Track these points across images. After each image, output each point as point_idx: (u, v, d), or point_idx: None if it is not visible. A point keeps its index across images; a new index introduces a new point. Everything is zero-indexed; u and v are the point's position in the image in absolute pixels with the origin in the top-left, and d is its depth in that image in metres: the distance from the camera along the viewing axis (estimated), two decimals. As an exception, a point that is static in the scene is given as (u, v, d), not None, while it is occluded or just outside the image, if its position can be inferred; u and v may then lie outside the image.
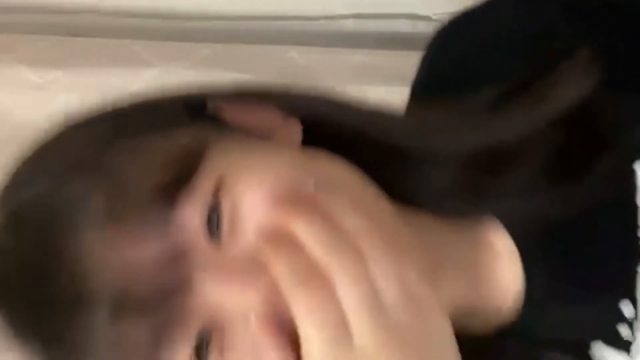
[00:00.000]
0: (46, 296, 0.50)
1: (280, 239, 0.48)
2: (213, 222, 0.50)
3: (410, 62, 1.14)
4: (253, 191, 0.50)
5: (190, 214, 0.49)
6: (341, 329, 0.46)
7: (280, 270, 0.47)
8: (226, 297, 0.50)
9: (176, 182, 0.49)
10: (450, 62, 0.71)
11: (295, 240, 0.47)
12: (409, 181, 0.59)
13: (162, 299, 0.49)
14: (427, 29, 1.13)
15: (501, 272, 0.60)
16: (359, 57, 1.09)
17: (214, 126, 0.56)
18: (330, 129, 0.58)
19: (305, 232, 0.47)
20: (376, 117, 0.60)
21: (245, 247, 0.50)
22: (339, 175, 0.53)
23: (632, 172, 0.60)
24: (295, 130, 0.58)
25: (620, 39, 0.64)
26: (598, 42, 0.61)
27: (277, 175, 0.50)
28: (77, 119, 0.58)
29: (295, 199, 0.49)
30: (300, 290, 0.47)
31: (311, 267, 0.47)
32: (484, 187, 0.59)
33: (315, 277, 0.47)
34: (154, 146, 0.51)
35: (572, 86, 0.59)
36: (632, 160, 0.60)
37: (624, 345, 0.60)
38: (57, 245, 0.50)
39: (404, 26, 1.14)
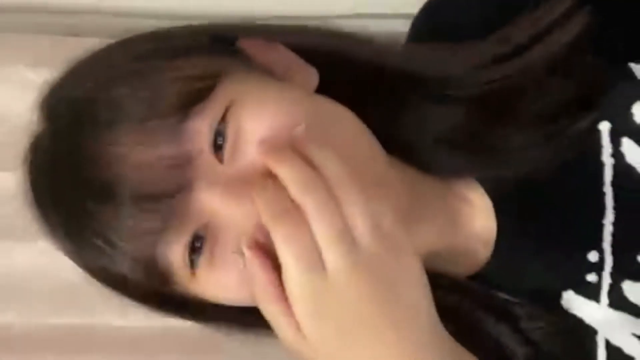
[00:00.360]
0: (75, 182, 0.58)
1: (269, 175, 0.53)
2: (219, 138, 0.56)
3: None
4: (254, 119, 0.56)
5: (200, 127, 0.56)
6: (314, 259, 0.51)
7: (262, 203, 0.52)
8: (221, 207, 0.55)
9: (194, 98, 0.56)
10: (434, 24, 0.77)
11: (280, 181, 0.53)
12: (410, 126, 0.64)
13: (169, 196, 0.55)
14: (427, 29, 1.13)
15: (476, 222, 0.65)
16: (359, 57, 1.08)
17: (237, 59, 0.62)
18: (345, 66, 0.64)
19: (286, 176, 0.52)
20: (391, 48, 0.67)
21: (244, 169, 0.56)
22: (336, 123, 0.58)
23: (598, 132, 0.64)
24: (311, 76, 0.64)
25: (609, 12, 0.66)
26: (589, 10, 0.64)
27: (277, 110, 0.56)
28: (124, 37, 0.65)
29: (285, 140, 0.54)
30: (278, 221, 0.52)
31: (290, 203, 0.52)
32: (478, 143, 0.64)
33: (292, 212, 0.52)
34: (183, 66, 0.58)
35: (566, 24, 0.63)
36: (598, 122, 0.64)
37: (593, 294, 0.63)
38: (89, 137, 0.57)
39: (404, 26, 1.13)
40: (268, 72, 0.62)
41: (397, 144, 0.63)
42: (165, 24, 1.16)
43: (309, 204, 0.52)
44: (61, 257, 0.62)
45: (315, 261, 0.52)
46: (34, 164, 0.64)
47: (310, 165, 0.53)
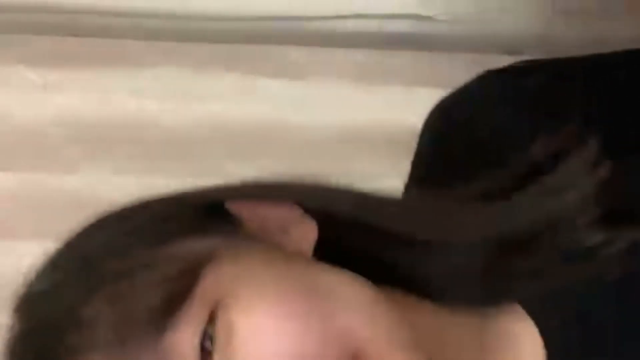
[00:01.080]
0: None
1: None
2: (207, 342, 0.47)
3: (410, 62, 1.15)
4: (249, 315, 0.47)
5: (181, 340, 0.47)
6: None
7: None
8: None
9: (171, 305, 0.47)
10: (440, 143, 0.68)
11: None
12: (418, 269, 0.56)
13: None
14: (427, 29, 1.13)
15: (520, 358, 0.56)
16: (359, 57, 1.09)
17: (223, 229, 0.53)
18: (343, 223, 0.56)
19: None
20: (392, 207, 0.58)
21: None
22: (341, 299, 0.50)
23: None
24: (310, 232, 0.56)
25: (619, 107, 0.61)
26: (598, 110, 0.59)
27: (271, 302, 0.47)
28: (95, 219, 0.55)
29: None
30: None
31: None
32: (497, 273, 0.56)
33: None
34: (156, 260, 0.49)
35: (577, 187, 0.55)
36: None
37: None
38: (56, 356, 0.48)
39: (404, 26, 1.14)
40: (260, 237, 0.54)
41: (401, 283, 0.56)
42: (165, 23, 1.17)
43: None
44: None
45: None
46: None
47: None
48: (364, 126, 1.05)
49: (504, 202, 0.56)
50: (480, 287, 0.56)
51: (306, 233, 0.55)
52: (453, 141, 0.66)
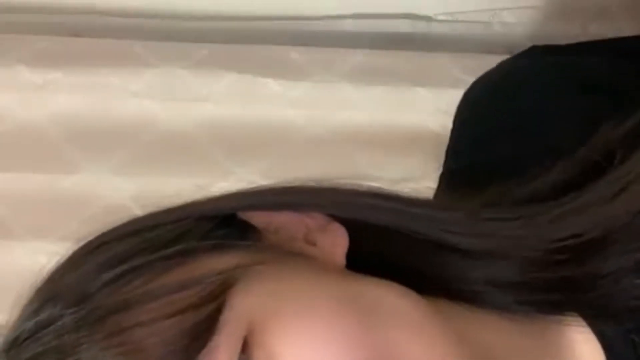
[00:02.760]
0: None
1: None
2: None
3: (410, 62, 1.14)
4: (293, 339, 0.40)
5: None
6: None
7: None
8: None
9: (190, 340, 0.39)
10: (482, 120, 0.62)
11: None
12: (462, 277, 0.50)
13: None
14: (427, 29, 1.13)
15: None
16: (359, 57, 1.08)
17: (240, 248, 0.46)
18: (376, 228, 0.49)
19: None
20: (426, 214, 0.50)
21: None
22: (384, 309, 0.44)
23: None
24: (340, 238, 0.49)
25: None
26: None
27: (315, 321, 0.41)
28: (89, 242, 0.47)
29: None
30: None
31: None
32: (552, 281, 0.50)
33: None
34: (168, 291, 0.41)
35: None
36: None
37: None
38: None
39: (404, 26, 1.14)
40: (285, 249, 0.47)
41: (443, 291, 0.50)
42: (165, 23, 1.17)
43: None
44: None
45: None
46: None
47: None
48: (364, 126, 1.05)
49: (570, 204, 0.49)
50: (533, 294, 0.50)
51: (336, 241, 0.49)
52: (496, 117, 0.61)
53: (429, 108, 1.02)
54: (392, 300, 0.44)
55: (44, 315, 0.43)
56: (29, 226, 1.02)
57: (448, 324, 0.45)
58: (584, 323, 0.51)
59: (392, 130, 1.04)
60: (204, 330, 0.39)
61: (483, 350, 0.47)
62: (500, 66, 0.64)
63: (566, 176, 0.51)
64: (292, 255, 0.47)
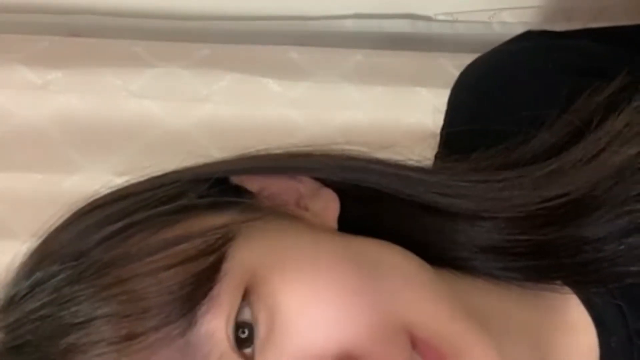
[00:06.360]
0: None
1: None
2: (241, 331, 0.41)
3: (410, 62, 1.14)
4: (295, 288, 0.40)
5: (211, 329, 0.40)
6: None
7: None
8: None
9: (190, 290, 0.40)
10: (478, 100, 0.64)
11: None
12: (457, 243, 0.51)
13: None
14: (427, 29, 1.13)
15: (573, 343, 0.52)
16: (359, 57, 1.08)
17: (237, 207, 0.46)
18: (366, 192, 0.50)
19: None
20: (423, 176, 0.51)
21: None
22: (390, 269, 0.44)
23: None
24: (331, 202, 0.50)
25: None
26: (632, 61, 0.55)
27: (318, 274, 0.41)
28: (84, 206, 0.49)
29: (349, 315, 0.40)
30: None
31: None
32: (547, 246, 0.51)
33: None
34: (168, 244, 0.42)
35: (631, 144, 0.50)
36: None
37: None
38: None
39: (404, 26, 1.14)
40: (280, 211, 0.48)
41: (441, 258, 0.51)
42: (165, 23, 1.17)
43: None
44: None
45: None
46: None
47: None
48: (364, 126, 1.05)
49: (552, 166, 0.51)
50: (528, 261, 0.51)
51: (328, 205, 0.50)
52: (492, 95, 0.62)
53: (429, 108, 1.01)
54: (394, 257, 0.45)
55: (39, 274, 0.44)
56: (29, 226, 1.02)
57: (448, 286, 0.46)
58: (571, 291, 0.52)
59: (392, 130, 1.04)
60: (205, 279, 0.40)
61: (479, 316, 0.47)
62: (496, 49, 0.65)
63: (549, 142, 0.52)
64: (288, 216, 0.48)
